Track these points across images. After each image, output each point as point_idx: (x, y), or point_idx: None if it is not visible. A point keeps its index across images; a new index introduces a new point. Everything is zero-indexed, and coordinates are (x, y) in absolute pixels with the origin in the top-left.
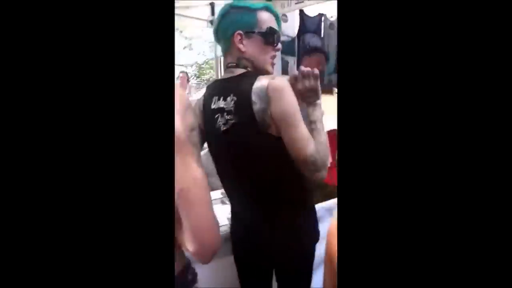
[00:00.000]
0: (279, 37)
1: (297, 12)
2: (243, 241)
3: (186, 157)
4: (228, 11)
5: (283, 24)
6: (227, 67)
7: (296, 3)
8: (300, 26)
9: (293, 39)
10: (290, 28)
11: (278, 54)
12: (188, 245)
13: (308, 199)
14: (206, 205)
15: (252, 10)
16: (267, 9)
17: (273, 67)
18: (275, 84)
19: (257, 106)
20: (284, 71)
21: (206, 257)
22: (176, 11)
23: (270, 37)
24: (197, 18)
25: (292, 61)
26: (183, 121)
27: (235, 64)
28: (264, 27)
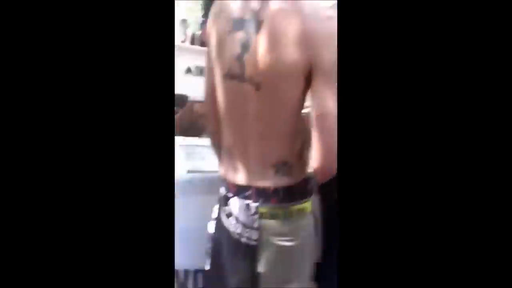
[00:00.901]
0: None
1: None
2: None
3: (330, 89)
4: None
5: None
6: None
7: None
8: None
9: None
10: None
11: None
12: (314, 161)
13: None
14: (334, 134)
15: None
16: None
17: None
18: None
19: None
20: None
21: (324, 175)
22: None
23: None
24: None
25: None
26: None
27: None
28: None
